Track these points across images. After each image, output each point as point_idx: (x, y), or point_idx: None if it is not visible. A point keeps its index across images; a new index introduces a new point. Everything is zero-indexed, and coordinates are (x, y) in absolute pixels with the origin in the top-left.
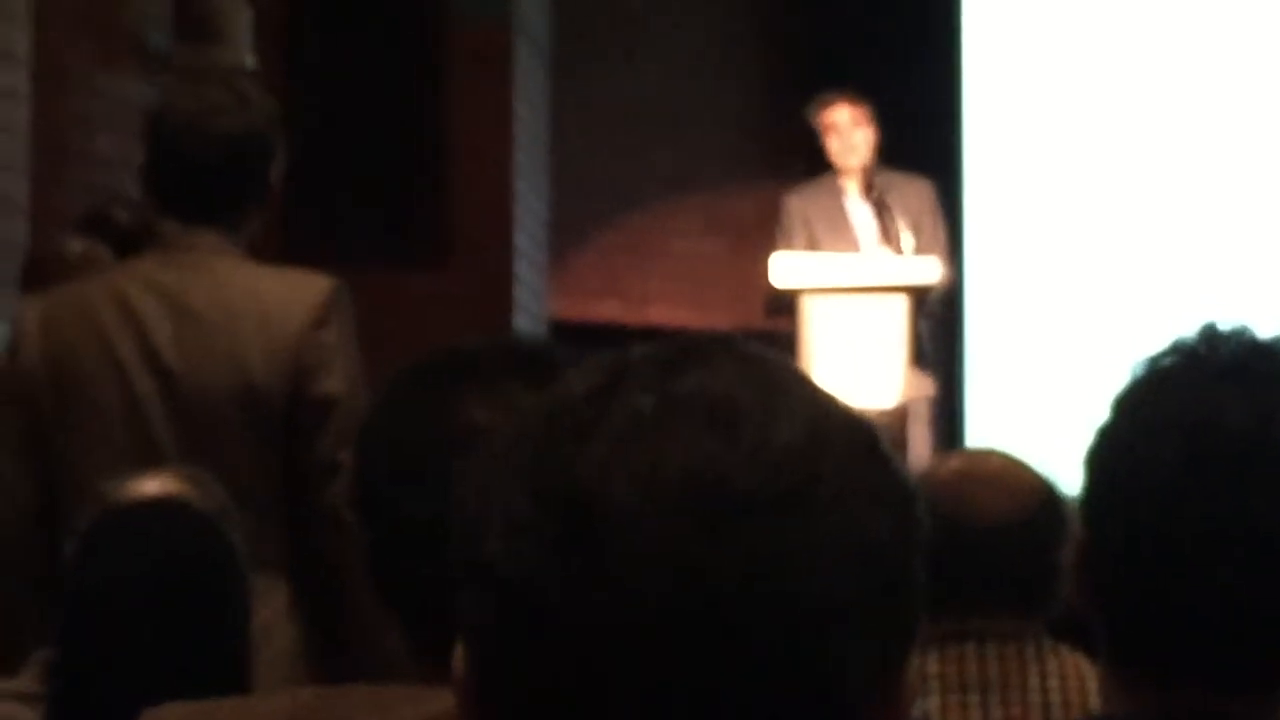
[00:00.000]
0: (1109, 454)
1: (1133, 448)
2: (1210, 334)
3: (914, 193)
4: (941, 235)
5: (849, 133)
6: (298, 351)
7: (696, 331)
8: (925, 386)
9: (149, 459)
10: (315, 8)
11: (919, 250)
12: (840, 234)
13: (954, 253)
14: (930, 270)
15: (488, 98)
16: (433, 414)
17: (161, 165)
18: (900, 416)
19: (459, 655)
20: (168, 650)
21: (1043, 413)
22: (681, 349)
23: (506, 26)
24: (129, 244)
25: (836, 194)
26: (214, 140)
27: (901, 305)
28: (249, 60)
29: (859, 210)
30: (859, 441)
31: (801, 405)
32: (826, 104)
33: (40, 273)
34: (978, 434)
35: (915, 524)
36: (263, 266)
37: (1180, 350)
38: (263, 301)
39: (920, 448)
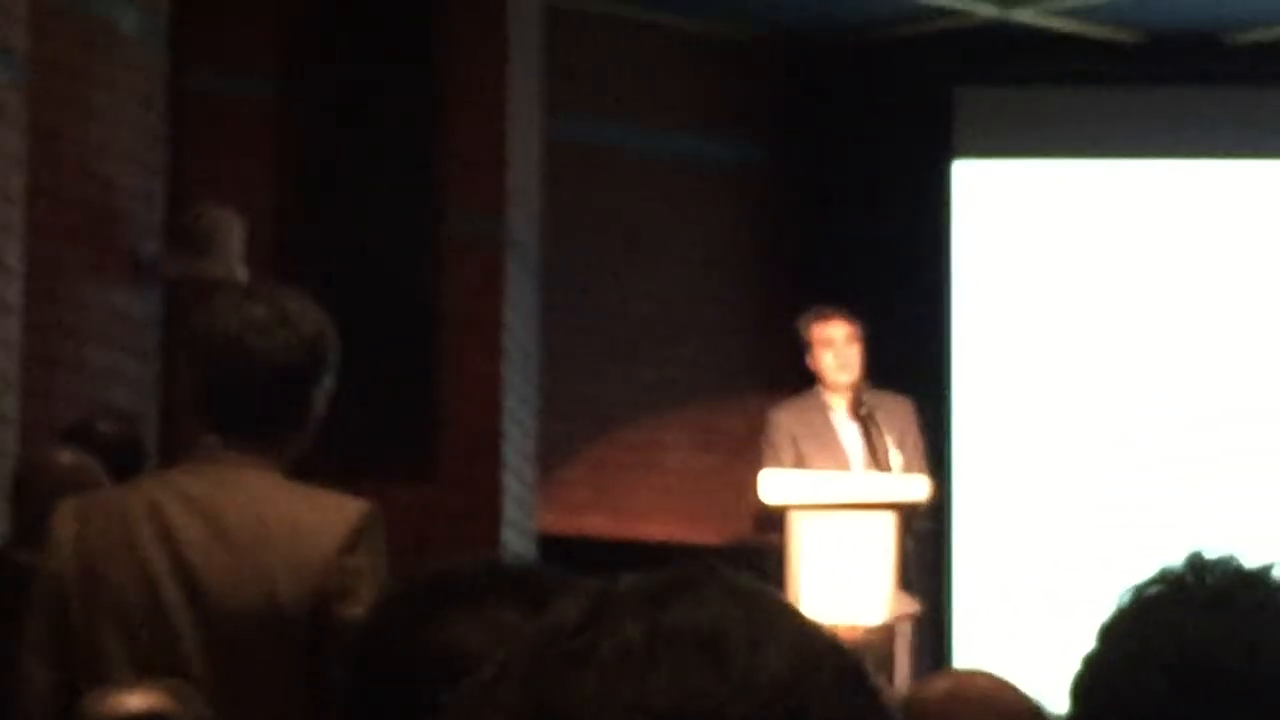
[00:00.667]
0: (1095, 684)
1: (1119, 679)
2: (1196, 562)
3: (898, 411)
4: (921, 453)
5: (844, 349)
6: (324, 574)
7: (685, 554)
8: (910, 605)
9: (173, 671)
10: (310, 221)
11: (905, 468)
12: (829, 450)
13: (941, 471)
14: (918, 488)
15: (479, 312)
16: (421, 638)
17: (201, 381)
18: (887, 634)
19: None
20: None
21: (1030, 632)
22: (669, 579)
23: (499, 242)
24: (114, 456)
25: (823, 410)
26: (251, 359)
27: (889, 523)
28: (241, 272)
29: (846, 427)
30: (847, 673)
31: (789, 636)
32: (822, 318)
33: (30, 483)
34: (965, 653)
35: None
36: (299, 486)
37: (1166, 579)
38: (294, 522)
39: (904, 669)
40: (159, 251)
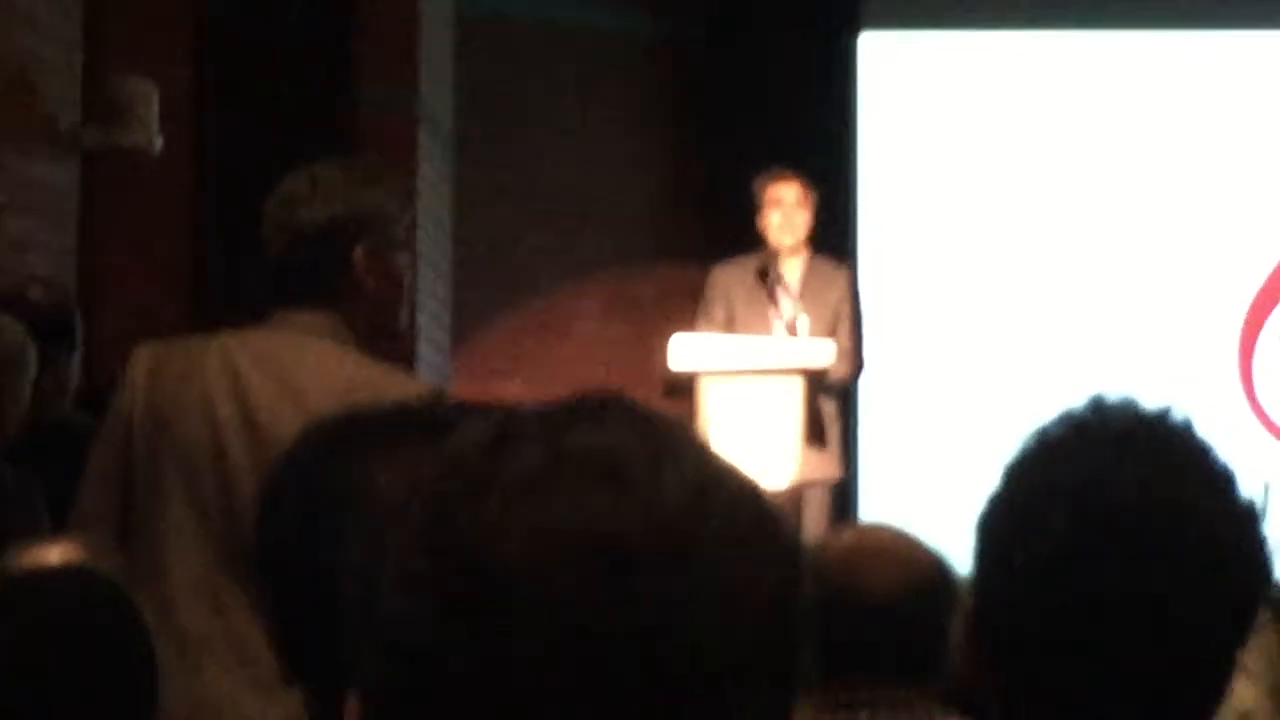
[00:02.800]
0: (997, 522)
1: (1021, 516)
2: (1098, 405)
3: (834, 280)
4: (856, 326)
5: (792, 211)
6: None
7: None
8: (829, 469)
9: (229, 519)
10: (221, 90)
11: (819, 332)
12: (758, 311)
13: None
14: (825, 353)
15: None
16: (331, 476)
17: (268, 248)
18: (795, 499)
19: (352, 707)
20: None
21: (938, 498)
22: (571, 406)
23: (410, 112)
24: (44, 323)
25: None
26: (291, 230)
27: (796, 387)
28: (157, 142)
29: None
30: (745, 500)
31: (690, 463)
32: (779, 178)
33: None
34: (872, 517)
35: (800, 582)
36: (366, 359)
37: (1069, 420)
38: (367, 388)
39: (815, 532)
40: (77, 122)
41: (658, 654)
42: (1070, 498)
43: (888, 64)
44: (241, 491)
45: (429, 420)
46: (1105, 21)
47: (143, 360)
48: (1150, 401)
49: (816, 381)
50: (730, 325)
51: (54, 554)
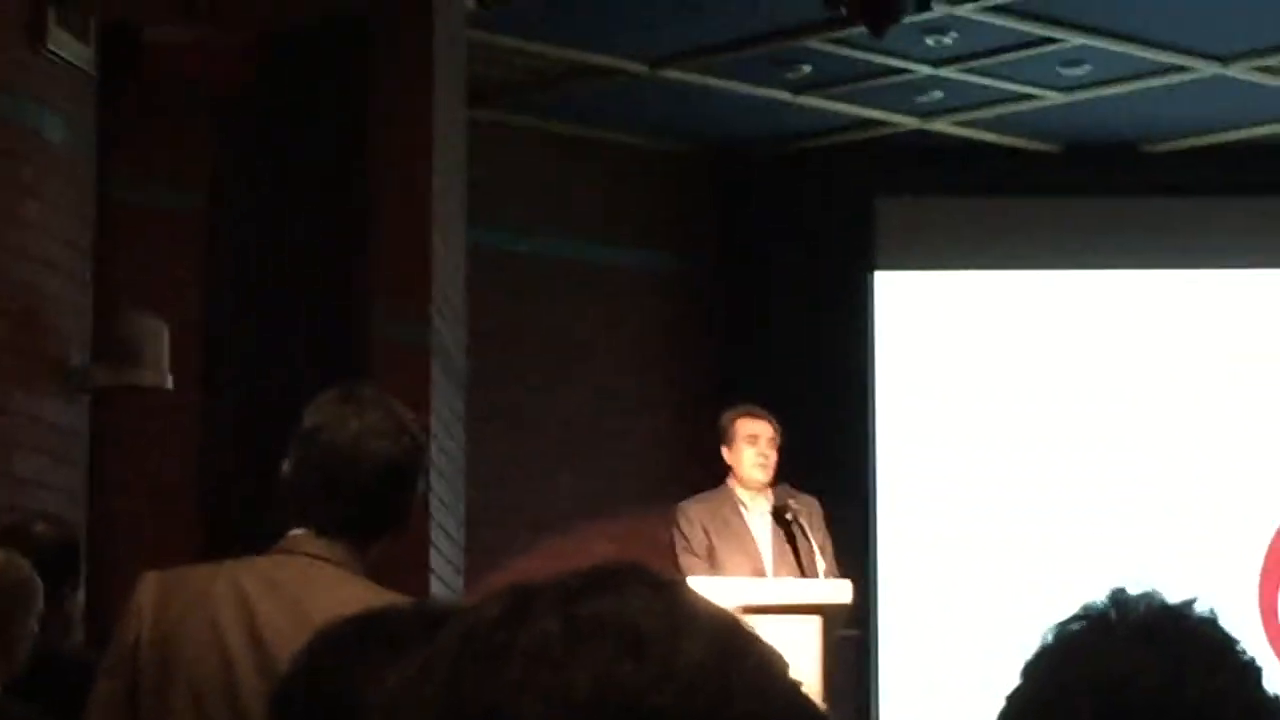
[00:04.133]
0: (1020, 718)
1: (1045, 713)
2: (1119, 598)
3: (813, 510)
4: (830, 548)
5: (767, 448)
6: None
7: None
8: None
9: None
10: (235, 329)
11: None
12: (741, 545)
13: (865, 576)
14: (843, 591)
15: None
16: (344, 678)
17: (310, 477)
18: None
19: None
20: None
21: None
22: (587, 574)
23: (423, 345)
24: (50, 558)
25: (735, 505)
26: (369, 462)
27: (814, 627)
28: (167, 380)
29: (759, 524)
30: (767, 665)
31: (709, 627)
32: (752, 415)
33: None
34: None
35: None
36: (382, 590)
37: (1089, 615)
38: None
39: None
40: (87, 361)
41: None
42: (1096, 693)
43: (902, 301)
44: (252, 717)
45: (437, 620)
46: (1115, 261)
47: (149, 588)
48: (1172, 594)
49: (833, 619)
50: (711, 559)
51: None
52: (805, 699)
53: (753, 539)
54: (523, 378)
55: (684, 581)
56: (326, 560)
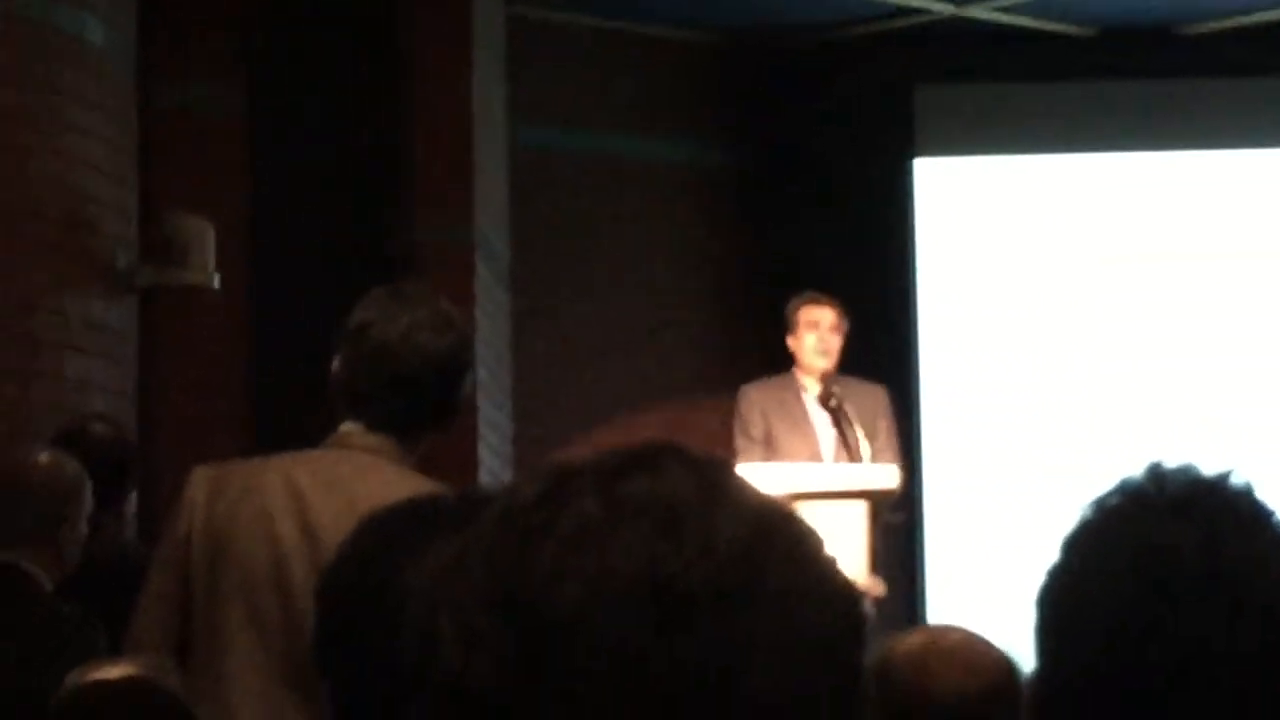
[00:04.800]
0: (1061, 593)
1: (1085, 585)
2: (1156, 472)
3: (869, 398)
4: (895, 440)
5: (828, 335)
6: None
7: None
8: (877, 588)
9: (291, 642)
10: (280, 229)
11: (875, 455)
12: (799, 431)
13: (911, 462)
14: (889, 476)
15: None
16: (391, 565)
17: (361, 372)
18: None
19: None
20: None
21: (1002, 616)
22: (625, 454)
23: (467, 241)
24: (107, 458)
25: (796, 390)
26: (418, 356)
27: (860, 511)
28: (214, 280)
29: (818, 412)
30: (801, 541)
31: (745, 505)
32: (815, 302)
33: (6, 485)
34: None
35: (859, 621)
36: (432, 481)
37: (1127, 489)
38: None
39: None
40: (134, 262)
41: (715, 696)
42: (1135, 564)
43: (943, 188)
44: (302, 608)
45: (482, 506)
46: (1158, 143)
47: (200, 483)
48: (1209, 467)
49: (880, 506)
50: (769, 444)
51: (115, 670)
52: (839, 574)
53: (811, 426)
54: (568, 273)
55: (721, 460)
56: (377, 454)
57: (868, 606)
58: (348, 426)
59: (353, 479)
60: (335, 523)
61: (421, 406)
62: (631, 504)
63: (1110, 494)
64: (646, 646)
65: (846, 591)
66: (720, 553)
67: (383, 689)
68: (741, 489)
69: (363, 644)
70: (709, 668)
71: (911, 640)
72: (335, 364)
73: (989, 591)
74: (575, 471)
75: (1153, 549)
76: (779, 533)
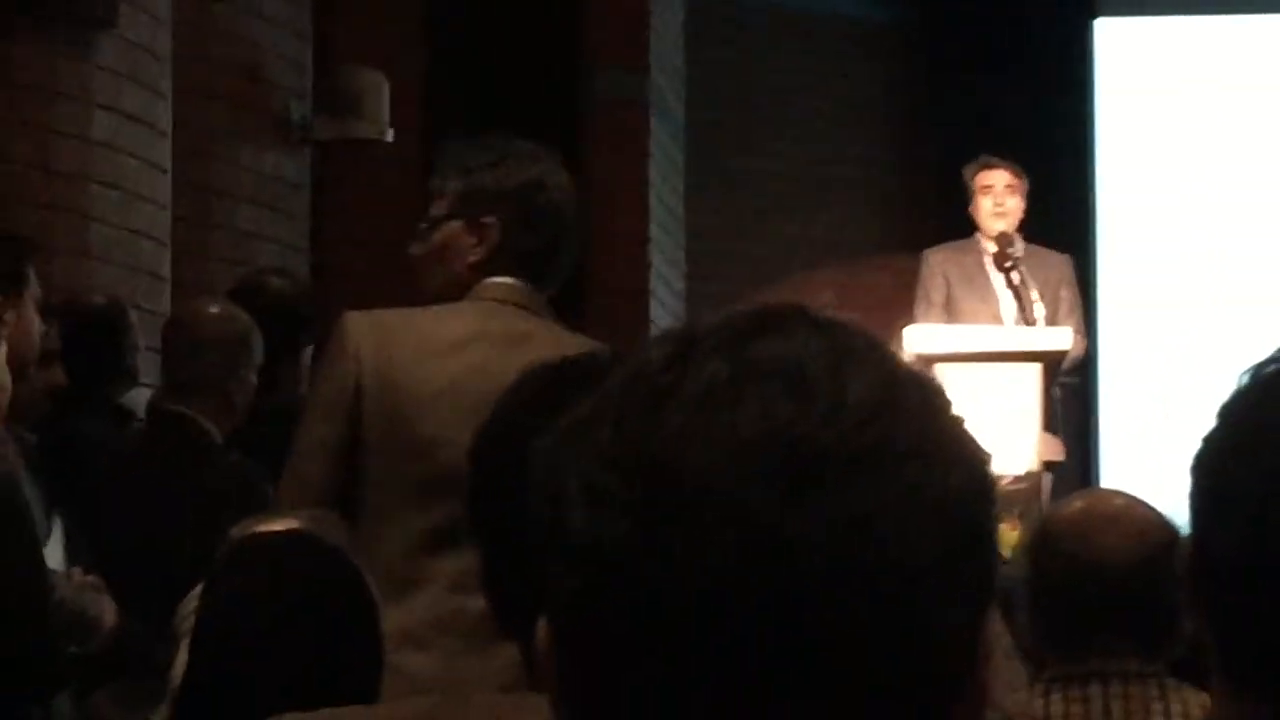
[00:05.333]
0: (1216, 462)
1: (1240, 453)
2: None
3: (1053, 265)
4: (1078, 308)
5: (1003, 196)
6: None
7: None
8: (1056, 451)
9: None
10: (455, 84)
11: (1053, 320)
12: (980, 294)
13: (1088, 327)
14: (1062, 338)
15: (624, 171)
16: (542, 424)
17: (534, 228)
18: (1035, 481)
19: (542, 628)
20: (295, 677)
21: (1174, 482)
22: (755, 316)
23: (643, 104)
24: (285, 310)
25: (978, 255)
26: (571, 215)
27: (1035, 373)
28: (388, 133)
29: (999, 276)
30: (931, 402)
31: (873, 367)
32: (988, 165)
33: (179, 335)
34: None
35: (989, 482)
36: (589, 341)
37: None
38: None
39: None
40: (308, 114)
41: (846, 560)
42: None
43: (1125, 49)
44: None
45: None
46: None
47: (362, 331)
48: None
49: (1053, 368)
50: (949, 308)
51: (280, 523)
52: (969, 437)
53: (992, 289)
54: (744, 132)
55: (851, 322)
56: (532, 311)
57: (1038, 468)
58: (506, 280)
59: (524, 330)
60: (508, 374)
61: (555, 265)
62: (759, 366)
63: (1267, 361)
64: (775, 507)
65: (976, 454)
66: (849, 414)
67: (524, 550)
68: (872, 350)
69: (508, 504)
70: (838, 528)
71: (1073, 506)
72: (489, 221)
73: (1162, 457)
74: (702, 334)
75: None
76: (909, 395)
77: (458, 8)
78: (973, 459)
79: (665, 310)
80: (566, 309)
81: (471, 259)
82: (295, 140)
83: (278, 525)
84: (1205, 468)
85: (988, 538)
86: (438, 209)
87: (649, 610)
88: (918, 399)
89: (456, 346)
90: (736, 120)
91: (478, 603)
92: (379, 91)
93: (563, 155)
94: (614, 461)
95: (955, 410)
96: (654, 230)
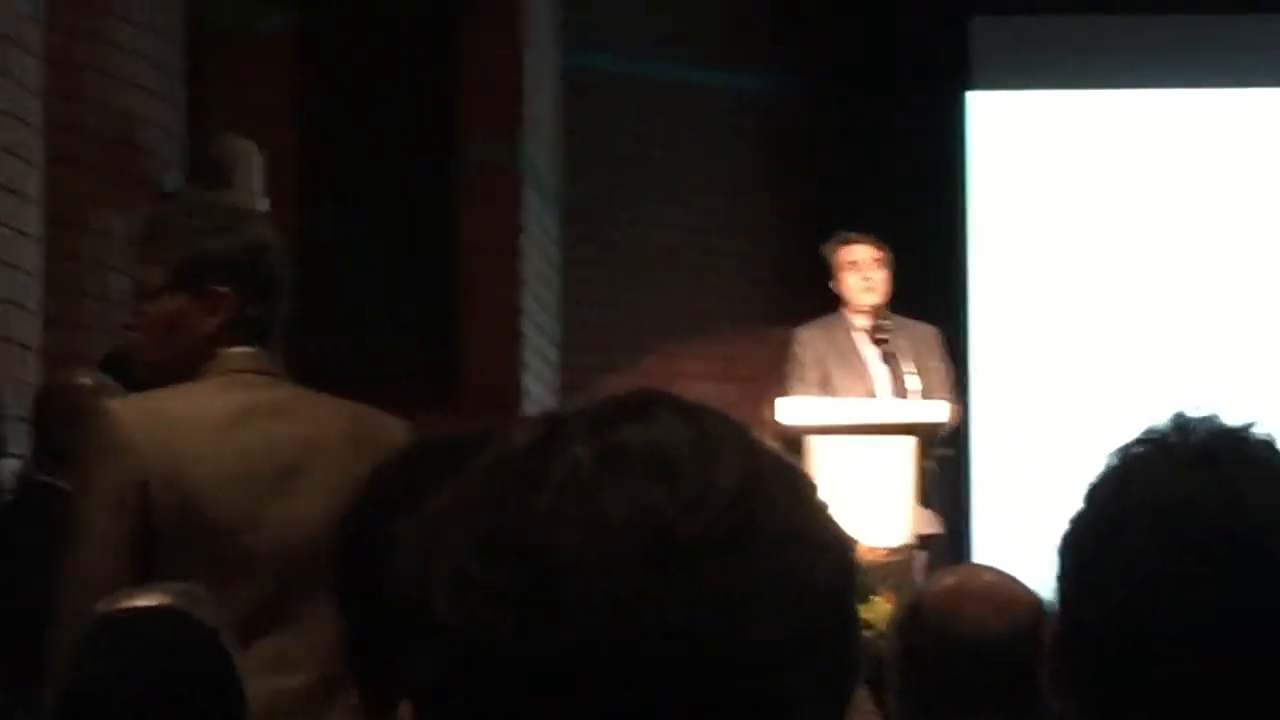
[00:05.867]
0: (1081, 543)
1: (1105, 536)
2: (1180, 422)
3: (922, 337)
4: (949, 379)
5: (870, 270)
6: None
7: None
8: (932, 524)
9: (270, 578)
10: (328, 154)
11: (925, 392)
12: (854, 371)
13: (960, 397)
14: (938, 411)
15: (497, 241)
16: (412, 500)
17: (265, 298)
18: (907, 555)
19: (405, 710)
20: None
21: (1047, 556)
22: (620, 401)
23: (516, 173)
24: (155, 381)
25: (846, 331)
26: (287, 276)
27: (909, 446)
28: (262, 203)
29: (870, 350)
30: (797, 488)
31: (739, 454)
32: (849, 241)
33: (50, 407)
34: None
35: (853, 569)
36: (358, 405)
37: (1151, 439)
38: (370, 434)
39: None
40: (180, 183)
41: (711, 643)
42: (1157, 517)
43: (997, 122)
44: (280, 548)
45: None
46: (1214, 81)
47: (134, 420)
48: (1233, 416)
49: (928, 440)
50: (824, 385)
51: (146, 598)
52: (831, 522)
53: (865, 364)
54: (622, 202)
55: (714, 409)
56: (277, 377)
57: (921, 549)
58: (246, 350)
59: (295, 407)
60: (297, 449)
61: (278, 326)
62: (626, 451)
63: (1133, 443)
64: (642, 592)
65: (841, 541)
66: (714, 500)
67: (391, 631)
68: (737, 437)
69: (375, 585)
70: (704, 613)
71: (944, 581)
72: (223, 290)
73: (1035, 530)
74: (566, 419)
75: (1174, 501)
76: (773, 480)
77: (331, 77)
78: (837, 545)
79: (539, 381)
80: (439, 377)
81: (205, 330)
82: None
83: (147, 600)
84: (1071, 549)
85: (851, 623)
86: (155, 277)
87: (516, 693)
88: (783, 485)
89: (232, 424)
90: (615, 191)
91: (296, 680)
92: (251, 160)
93: (436, 225)
94: (482, 545)
95: (820, 496)
96: (528, 301)
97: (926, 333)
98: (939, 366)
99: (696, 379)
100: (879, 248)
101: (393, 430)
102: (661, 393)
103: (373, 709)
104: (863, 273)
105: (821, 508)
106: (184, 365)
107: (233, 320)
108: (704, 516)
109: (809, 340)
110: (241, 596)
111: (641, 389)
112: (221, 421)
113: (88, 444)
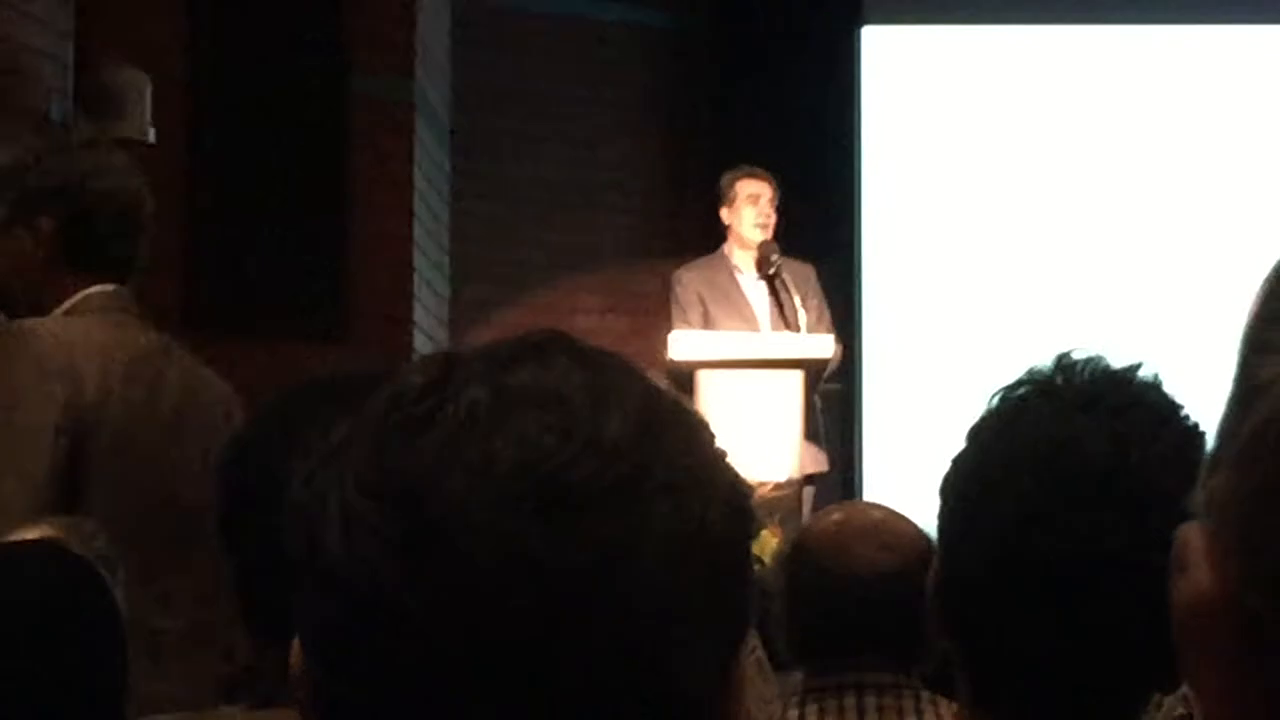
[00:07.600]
0: (964, 484)
1: (988, 477)
2: (1064, 364)
3: (804, 274)
4: (827, 315)
5: (768, 207)
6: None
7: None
8: (820, 461)
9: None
10: (218, 84)
11: (810, 327)
12: (736, 309)
13: (851, 333)
14: (824, 346)
15: (388, 174)
16: (297, 438)
17: (96, 226)
18: (795, 490)
19: (295, 647)
20: (32, 692)
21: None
22: (515, 345)
23: (407, 102)
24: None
25: (730, 270)
26: (136, 204)
27: (796, 380)
28: (149, 133)
29: (754, 287)
30: (692, 434)
31: (634, 399)
32: (752, 175)
33: None
34: None
35: (746, 517)
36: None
37: (1035, 380)
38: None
39: None
40: (69, 112)
41: (601, 588)
42: (1037, 459)
43: (890, 58)
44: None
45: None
46: (1105, 16)
47: (52, 346)
48: (1118, 358)
49: (815, 375)
50: (708, 325)
51: (33, 530)
52: (729, 469)
53: (748, 302)
54: (513, 137)
55: (611, 353)
56: (142, 316)
57: (799, 475)
58: (107, 288)
59: (175, 353)
60: (175, 389)
61: (137, 260)
62: (519, 395)
63: (1016, 384)
64: (530, 538)
65: (736, 487)
66: (608, 444)
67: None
68: (632, 382)
69: (263, 526)
70: (593, 560)
71: (830, 518)
72: (42, 222)
73: (925, 466)
74: (463, 360)
75: (1056, 443)
76: (668, 426)
77: (222, 5)
78: (732, 491)
79: (428, 313)
80: (329, 310)
81: (35, 262)
82: (56, 140)
83: (29, 533)
84: (953, 489)
85: (744, 569)
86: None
87: (404, 635)
88: (678, 431)
89: (133, 361)
90: (506, 126)
91: (178, 622)
92: (141, 91)
93: (327, 157)
94: (371, 487)
95: (717, 442)
96: (418, 233)
97: (807, 271)
98: (817, 305)
99: (586, 312)
100: (776, 188)
101: (227, 396)
102: (559, 335)
103: (260, 645)
104: (761, 208)
105: (720, 455)
106: (32, 297)
107: (75, 251)
108: (596, 462)
109: (689, 281)
110: (144, 535)
111: (539, 331)
112: (122, 358)
113: (8, 363)
